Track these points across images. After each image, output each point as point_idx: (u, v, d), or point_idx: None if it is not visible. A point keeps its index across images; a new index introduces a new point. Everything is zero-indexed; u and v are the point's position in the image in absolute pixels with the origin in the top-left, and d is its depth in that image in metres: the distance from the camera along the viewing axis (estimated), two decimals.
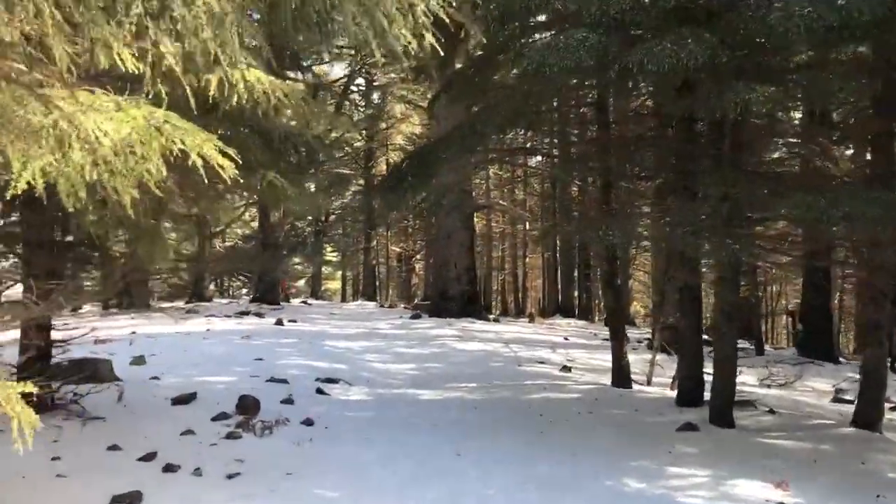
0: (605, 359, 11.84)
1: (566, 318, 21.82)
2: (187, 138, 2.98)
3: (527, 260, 31.10)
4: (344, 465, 5.41)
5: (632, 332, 16.98)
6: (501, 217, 28.48)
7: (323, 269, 40.35)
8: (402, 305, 22.06)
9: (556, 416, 7.34)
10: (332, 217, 35.82)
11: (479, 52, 12.59)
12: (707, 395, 7.81)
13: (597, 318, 25.70)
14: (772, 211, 6.78)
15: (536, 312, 28.94)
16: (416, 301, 27.86)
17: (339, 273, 41.27)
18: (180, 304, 23.94)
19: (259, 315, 15.62)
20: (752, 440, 6.80)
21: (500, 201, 24.50)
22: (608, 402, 8.05)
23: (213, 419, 6.49)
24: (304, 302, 23.38)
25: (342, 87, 24.73)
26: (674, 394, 8.68)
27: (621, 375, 8.98)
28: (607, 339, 14.91)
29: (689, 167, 7.21)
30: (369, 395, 7.96)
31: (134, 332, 12.20)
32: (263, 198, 6.30)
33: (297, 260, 36.94)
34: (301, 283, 43.37)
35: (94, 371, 7.46)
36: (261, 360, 9.56)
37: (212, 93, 3.60)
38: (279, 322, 14.10)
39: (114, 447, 5.53)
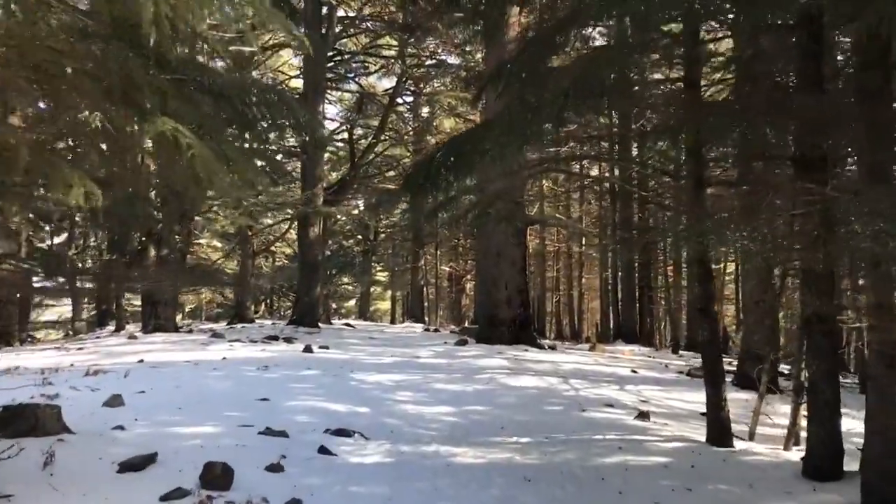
0: (687, 399, 9.59)
1: (628, 345, 19.42)
2: None
3: (583, 280, 28.73)
4: None
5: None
6: (556, 235, 26.27)
7: (373, 289, 38.71)
8: (450, 329, 20.00)
9: (642, 496, 5.16)
10: (382, 235, 34.24)
11: (534, 34, 10.59)
12: (843, 462, 5.58)
13: (660, 343, 23.20)
14: None
15: (594, 337, 26.50)
16: (465, 324, 25.81)
17: (389, 293, 39.53)
18: (219, 325, 22.45)
19: (289, 340, 13.78)
20: None
21: (557, 215, 22.27)
22: (709, 470, 5.82)
23: (163, 498, 4.55)
24: (347, 324, 21.55)
25: (388, 98, 22.96)
26: (792, 456, 6.41)
27: (720, 430, 6.72)
28: (682, 373, 12.59)
29: (827, 141, 5.03)
30: (388, 457, 5.91)
31: (141, 361, 10.50)
32: (157, 159, 4.16)
33: (345, 279, 35.39)
34: (351, 303, 41.77)
35: (34, 422, 5.63)
36: (266, 400, 7.64)
37: None
38: (307, 349, 12.22)
39: None
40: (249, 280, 23.65)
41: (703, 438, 6.87)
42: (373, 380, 9.50)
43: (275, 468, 5.20)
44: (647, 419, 7.83)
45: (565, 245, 27.52)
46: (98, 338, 16.06)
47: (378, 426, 6.93)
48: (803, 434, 6.64)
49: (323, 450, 5.80)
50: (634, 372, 12.02)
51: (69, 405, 6.98)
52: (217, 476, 4.82)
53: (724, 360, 18.07)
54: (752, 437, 7.28)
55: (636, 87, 6.50)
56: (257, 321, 23.20)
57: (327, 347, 12.92)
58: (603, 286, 25.98)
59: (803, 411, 6.60)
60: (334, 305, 38.88)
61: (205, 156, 2.77)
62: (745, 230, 4.91)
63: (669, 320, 23.25)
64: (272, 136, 5.37)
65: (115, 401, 6.97)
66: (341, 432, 6.41)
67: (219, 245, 30.60)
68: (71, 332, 26.74)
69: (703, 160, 6.61)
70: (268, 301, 37.78)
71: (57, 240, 27.30)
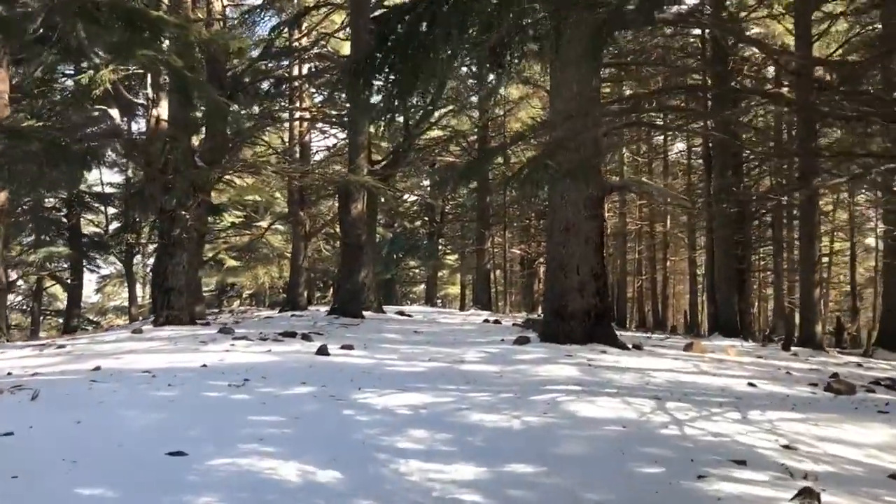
0: (849, 440, 5.92)
1: (727, 338, 15.55)
2: None
3: (667, 263, 24.62)
4: None
5: (817, 361, 10.57)
6: (638, 212, 22.33)
7: (442, 273, 35.71)
8: (513, 320, 16.61)
9: None
10: (449, 216, 31.15)
11: None
12: None
13: (761, 336, 19.05)
14: None
15: (682, 327, 22.53)
16: (537, 311, 22.38)
17: (459, 277, 36.41)
18: (267, 312, 19.94)
19: (307, 338, 10.77)
20: None
21: (644, 179, 18.39)
22: None
23: None
24: (401, 311, 18.52)
25: None
26: None
27: None
28: (815, 385, 8.84)
29: None
30: None
31: (97, 368, 7.75)
32: None
33: (412, 263, 32.52)
34: (421, 287, 38.88)
35: None
36: (180, 455, 4.57)
37: None
38: (321, 351, 9.19)
39: None
40: (300, 264, 20.98)
41: None
42: (381, 405, 6.32)
43: None
44: (816, 501, 4.29)
45: (648, 224, 23.54)
46: (107, 330, 13.63)
47: None
48: None
49: None
50: (752, 385, 8.34)
51: None
52: None
53: (845, 356, 14.01)
54: None
55: None
56: (312, 308, 20.60)
57: (351, 347, 9.84)
58: (691, 269, 21.92)
59: None
60: (402, 290, 36.06)
61: None
62: None
63: (776, 309, 19.02)
64: None
65: None
66: None
67: (281, 228, 28.28)
68: (127, 319, 24.97)
69: None
70: (336, 286, 35.39)
71: (114, 224, 25.56)
